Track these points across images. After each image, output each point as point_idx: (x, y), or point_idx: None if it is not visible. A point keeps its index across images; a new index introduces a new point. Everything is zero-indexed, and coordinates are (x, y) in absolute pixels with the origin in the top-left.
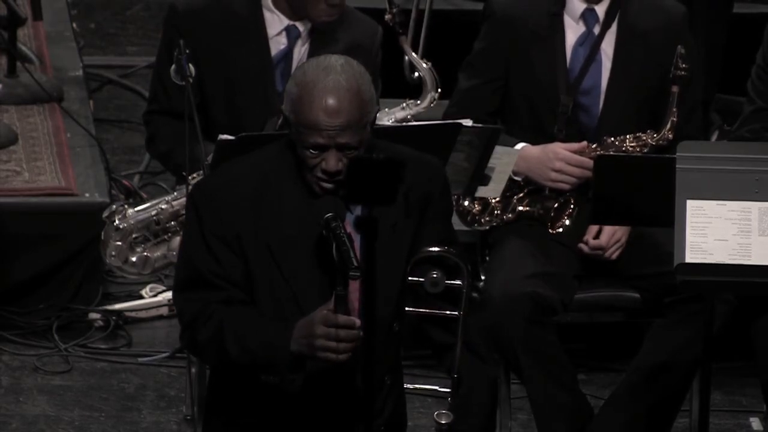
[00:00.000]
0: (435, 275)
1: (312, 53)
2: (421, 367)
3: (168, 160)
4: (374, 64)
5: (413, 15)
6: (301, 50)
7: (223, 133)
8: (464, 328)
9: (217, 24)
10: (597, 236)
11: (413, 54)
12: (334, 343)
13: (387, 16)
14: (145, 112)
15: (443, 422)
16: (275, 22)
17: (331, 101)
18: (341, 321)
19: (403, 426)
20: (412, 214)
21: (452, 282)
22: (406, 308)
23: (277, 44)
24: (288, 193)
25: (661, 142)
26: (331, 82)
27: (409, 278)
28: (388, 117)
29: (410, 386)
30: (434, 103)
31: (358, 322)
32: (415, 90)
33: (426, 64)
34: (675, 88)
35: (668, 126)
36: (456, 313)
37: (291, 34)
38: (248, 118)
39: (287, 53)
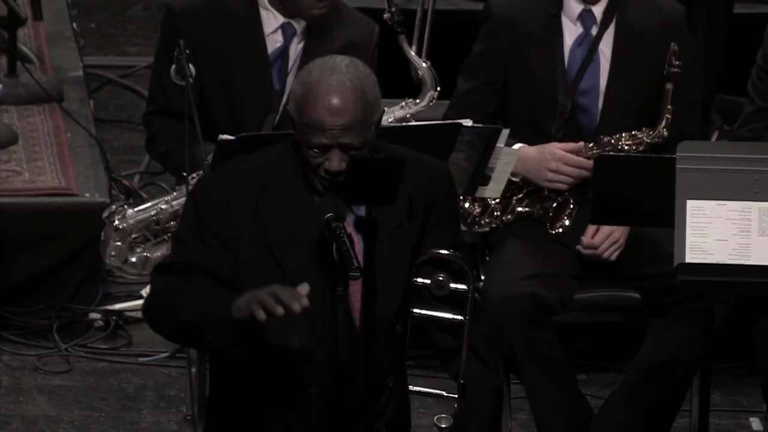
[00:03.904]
0: (441, 278)
1: (307, 51)
2: (423, 367)
3: (167, 161)
4: (371, 62)
5: (418, 15)
6: (297, 48)
7: (221, 133)
8: (469, 334)
9: (214, 24)
10: (594, 237)
11: (412, 53)
12: (270, 299)
13: (386, 15)
14: (145, 113)
15: (443, 426)
16: (271, 20)
17: (335, 101)
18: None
19: (406, 428)
20: (416, 217)
21: (457, 286)
22: (412, 311)
23: (274, 42)
24: (290, 193)
25: (656, 139)
26: (335, 81)
27: (415, 279)
28: (387, 116)
29: (414, 388)
30: (433, 101)
31: (305, 299)
32: (414, 89)
33: (425, 62)
34: (669, 85)
35: (663, 123)
36: (460, 317)
37: (287, 32)
38: (246, 117)
39: (283, 51)
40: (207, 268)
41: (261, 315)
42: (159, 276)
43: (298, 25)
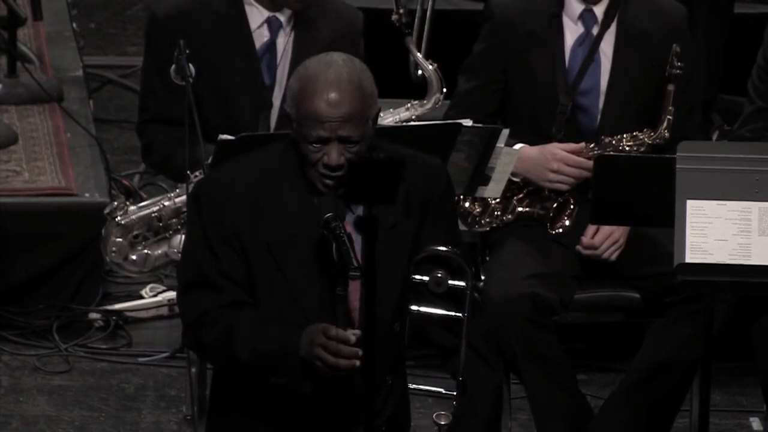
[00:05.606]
0: (439, 275)
1: (297, 43)
2: (422, 367)
3: (167, 166)
4: (359, 50)
5: (418, 14)
6: (285, 41)
7: (217, 133)
8: (468, 331)
9: (199, 25)
10: (594, 237)
11: (418, 55)
12: (327, 355)
13: (394, 17)
14: (138, 123)
15: (442, 423)
16: (255, 15)
17: (333, 93)
18: (333, 334)
19: (405, 426)
20: (412, 215)
21: (456, 283)
22: (411, 308)
23: (260, 37)
24: (289, 192)
25: (657, 140)
26: (333, 74)
27: (413, 276)
28: (392, 117)
29: (413, 386)
30: (439, 104)
31: (352, 338)
32: (419, 89)
33: (431, 65)
34: (671, 87)
35: (665, 124)
36: (459, 314)
37: (272, 25)
38: (239, 114)
39: (271, 45)
40: (230, 283)
41: (334, 374)
42: (190, 303)
43: (283, 18)
